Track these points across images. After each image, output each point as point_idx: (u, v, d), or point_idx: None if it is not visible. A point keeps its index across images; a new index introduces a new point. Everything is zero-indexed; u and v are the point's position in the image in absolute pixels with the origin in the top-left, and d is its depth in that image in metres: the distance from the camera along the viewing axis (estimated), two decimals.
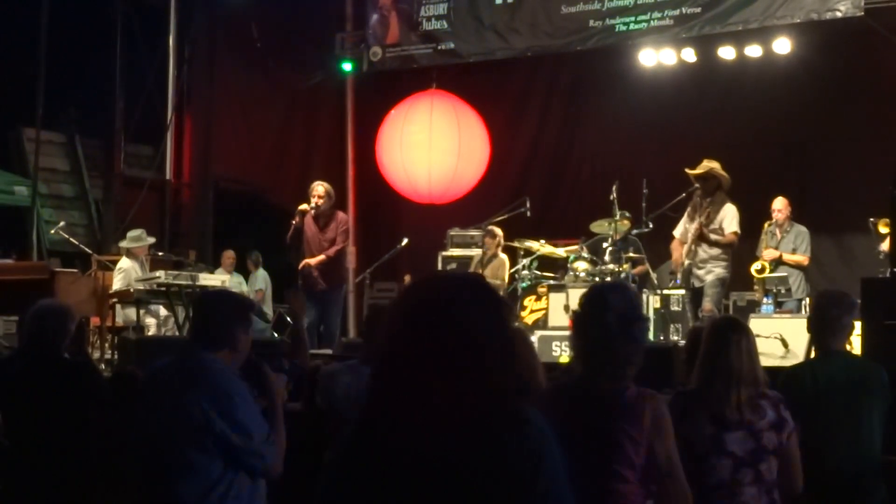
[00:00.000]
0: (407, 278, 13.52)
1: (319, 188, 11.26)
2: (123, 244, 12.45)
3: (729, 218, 10.70)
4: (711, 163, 10.91)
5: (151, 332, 11.80)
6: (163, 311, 12.10)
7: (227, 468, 4.12)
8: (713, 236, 10.67)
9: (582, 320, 3.74)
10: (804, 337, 8.90)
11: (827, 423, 4.73)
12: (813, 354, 5.56)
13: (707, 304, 10.57)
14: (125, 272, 12.05)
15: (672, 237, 11.10)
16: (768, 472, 4.19)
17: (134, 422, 4.43)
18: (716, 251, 10.70)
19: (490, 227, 12.74)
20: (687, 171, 10.91)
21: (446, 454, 2.37)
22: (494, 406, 2.41)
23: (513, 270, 12.58)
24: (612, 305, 3.66)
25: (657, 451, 3.62)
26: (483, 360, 2.41)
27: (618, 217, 11.61)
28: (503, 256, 12.57)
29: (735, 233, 10.70)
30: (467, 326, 2.43)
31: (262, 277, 14.47)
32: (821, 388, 4.87)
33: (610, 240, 11.61)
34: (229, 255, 14.33)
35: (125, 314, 11.90)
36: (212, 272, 12.49)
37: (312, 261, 11.10)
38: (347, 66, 15.39)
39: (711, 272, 10.66)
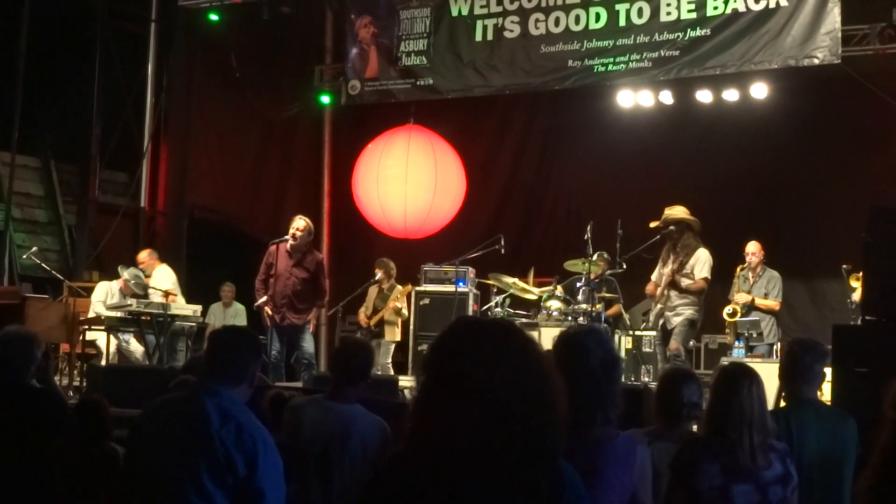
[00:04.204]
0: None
1: (300, 222, 11.22)
2: (123, 272, 12.35)
3: (700, 264, 10.73)
4: (673, 210, 10.87)
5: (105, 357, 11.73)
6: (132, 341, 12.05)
7: None
8: (684, 282, 10.64)
9: (563, 367, 3.70)
10: (775, 381, 8.95)
11: (798, 472, 4.71)
12: (783, 402, 5.55)
13: (673, 342, 10.60)
14: (109, 289, 12.22)
15: (649, 279, 11.09)
16: None
17: (134, 452, 4.35)
18: (686, 296, 10.71)
19: (383, 259, 13.02)
20: (651, 224, 10.91)
21: (479, 494, 2.41)
22: (531, 451, 2.45)
23: (485, 308, 12.57)
24: (594, 350, 3.71)
25: (639, 497, 3.68)
26: (518, 404, 2.46)
27: (594, 257, 11.60)
28: (398, 286, 12.89)
29: (705, 279, 10.74)
30: (502, 369, 2.49)
31: (238, 311, 14.38)
32: (794, 437, 4.85)
33: (584, 279, 11.61)
34: (228, 289, 14.47)
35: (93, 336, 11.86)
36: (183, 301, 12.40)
37: (311, 323, 11.37)
38: (325, 99, 15.42)
39: (681, 314, 10.69)
